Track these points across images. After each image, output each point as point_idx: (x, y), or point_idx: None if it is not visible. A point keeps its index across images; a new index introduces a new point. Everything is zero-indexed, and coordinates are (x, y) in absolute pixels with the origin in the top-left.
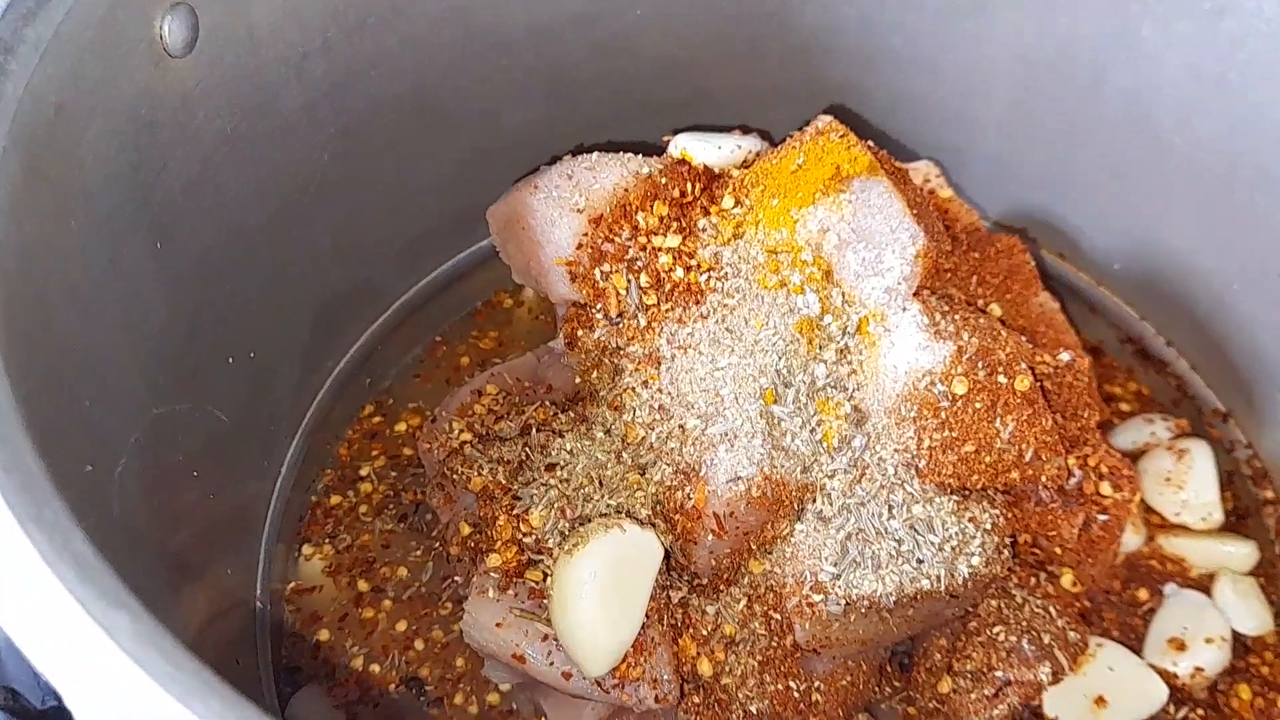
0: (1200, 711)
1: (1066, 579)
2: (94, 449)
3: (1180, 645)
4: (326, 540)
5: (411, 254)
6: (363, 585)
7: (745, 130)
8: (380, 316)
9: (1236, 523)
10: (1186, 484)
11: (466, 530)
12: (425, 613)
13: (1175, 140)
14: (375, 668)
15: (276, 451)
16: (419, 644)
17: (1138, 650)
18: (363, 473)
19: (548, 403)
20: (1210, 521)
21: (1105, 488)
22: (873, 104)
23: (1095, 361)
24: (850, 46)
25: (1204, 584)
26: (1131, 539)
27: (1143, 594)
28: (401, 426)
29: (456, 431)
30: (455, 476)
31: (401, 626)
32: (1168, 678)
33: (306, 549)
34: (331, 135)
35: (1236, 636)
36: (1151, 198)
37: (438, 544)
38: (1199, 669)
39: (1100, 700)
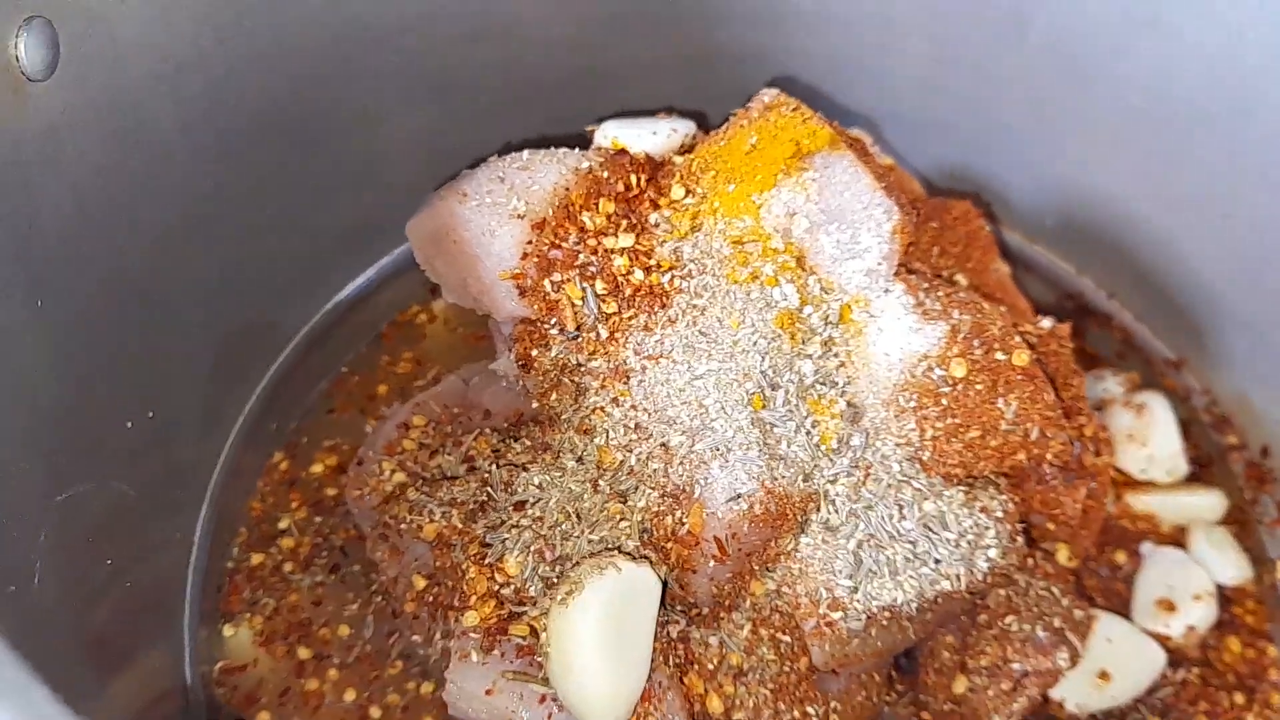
0: (1196, 671)
1: (1062, 554)
2: (11, 562)
3: (1169, 606)
4: (251, 608)
5: (308, 280)
6: (303, 652)
7: (671, 112)
8: (280, 355)
9: (1200, 472)
10: (1149, 439)
11: (422, 583)
12: (375, 675)
13: (1104, 85)
14: None
15: (186, 519)
16: (375, 711)
17: (1126, 615)
18: (282, 525)
19: (487, 430)
20: (1176, 474)
21: (1091, 454)
22: (787, 70)
23: None
24: (753, 12)
25: (1177, 538)
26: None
27: (1120, 557)
28: (318, 468)
29: (388, 473)
30: (402, 525)
31: (351, 695)
32: (1161, 640)
33: (230, 622)
34: (213, 157)
35: (1218, 588)
36: (1082, 147)
37: (378, 597)
38: (1191, 627)
39: (1104, 675)
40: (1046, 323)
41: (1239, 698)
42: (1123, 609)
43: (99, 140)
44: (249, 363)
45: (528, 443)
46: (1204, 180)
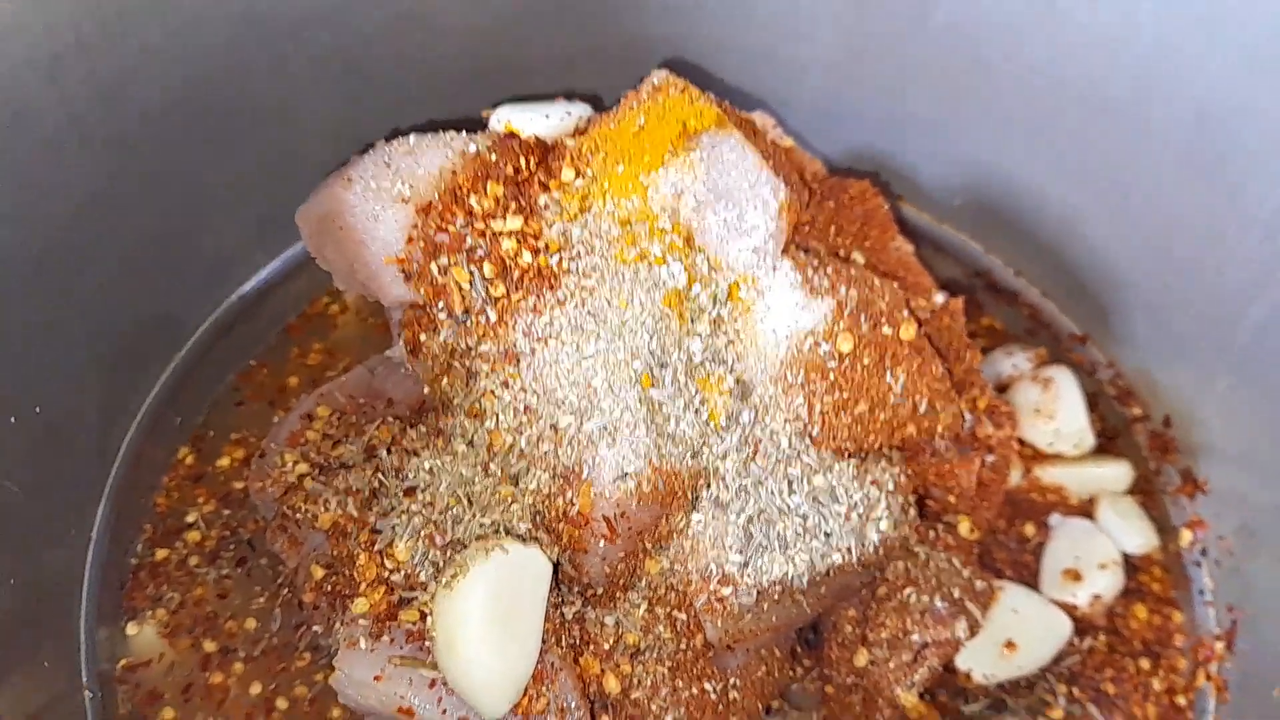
0: (1103, 638)
1: (964, 527)
2: None
3: (1075, 575)
4: (155, 604)
5: (211, 271)
6: (209, 645)
7: (570, 97)
8: (183, 346)
9: (1107, 444)
10: (1056, 413)
11: (320, 573)
12: (282, 667)
13: (1005, 68)
14: None
15: (84, 516)
16: (282, 703)
17: (1034, 586)
18: (189, 519)
19: (390, 418)
20: (1083, 447)
21: (988, 427)
22: (694, 57)
23: None
24: (662, 0)
25: (1086, 509)
26: (1010, 474)
27: (1029, 529)
28: (225, 461)
29: (290, 465)
30: (299, 515)
31: (257, 689)
32: (1068, 609)
33: (134, 619)
34: (104, 147)
35: (1125, 557)
36: (986, 129)
37: (285, 589)
38: (1097, 596)
39: (1010, 645)
40: (939, 298)
41: (1145, 663)
42: (1031, 580)
43: None
44: (147, 357)
45: (423, 429)
46: (1103, 161)
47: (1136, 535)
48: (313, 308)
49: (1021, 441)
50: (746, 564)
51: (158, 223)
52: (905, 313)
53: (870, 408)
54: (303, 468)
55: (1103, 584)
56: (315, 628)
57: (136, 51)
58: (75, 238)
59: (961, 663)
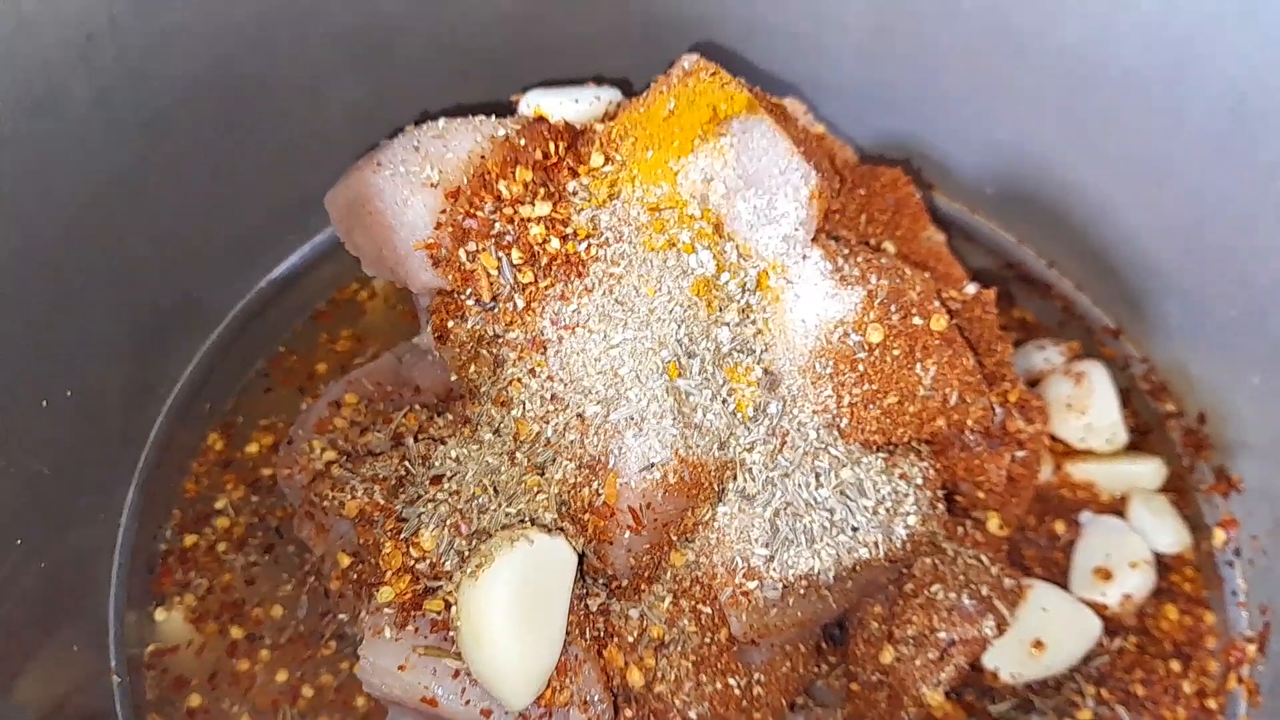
0: (1133, 639)
1: (993, 523)
2: None
3: (1106, 574)
4: (183, 589)
5: (240, 256)
6: (236, 632)
7: (599, 81)
8: (213, 332)
9: (1139, 440)
10: (1088, 408)
11: (346, 561)
12: (308, 655)
13: (1038, 50)
14: None
15: (113, 499)
16: (308, 691)
17: (1064, 585)
18: (218, 506)
19: (418, 406)
20: (1115, 443)
21: (1018, 421)
22: (725, 40)
23: None
24: None
25: (1117, 507)
26: (1041, 470)
27: (1059, 526)
28: (253, 448)
29: (318, 451)
30: (325, 502)
31: (283, 676)
32: (1098, 609)
33: (161, 605)
34: (132, 128)
35: (1157, 556)
36: (1020, 114)
37: (312, 577)
38: (1127, 596)
39: (1038, 644)
40: (971, 288)
41: (1175, 665)
42: (1061, 579)
43: (3, 109)
44: (177, 341)
45: (450, 417)
46: (1138, 146)
47: (1168, 534)
48: (341, 294)
49: (1053, 437)
50: (772, 558)
51: (185, 205)
52: (936, 304)
53: (900, 400)
54: (330, 455)
55: (1133, 583)
56: (341, 615)
57: (166, 31)
58: (103, 219)
59: (989, 661)
